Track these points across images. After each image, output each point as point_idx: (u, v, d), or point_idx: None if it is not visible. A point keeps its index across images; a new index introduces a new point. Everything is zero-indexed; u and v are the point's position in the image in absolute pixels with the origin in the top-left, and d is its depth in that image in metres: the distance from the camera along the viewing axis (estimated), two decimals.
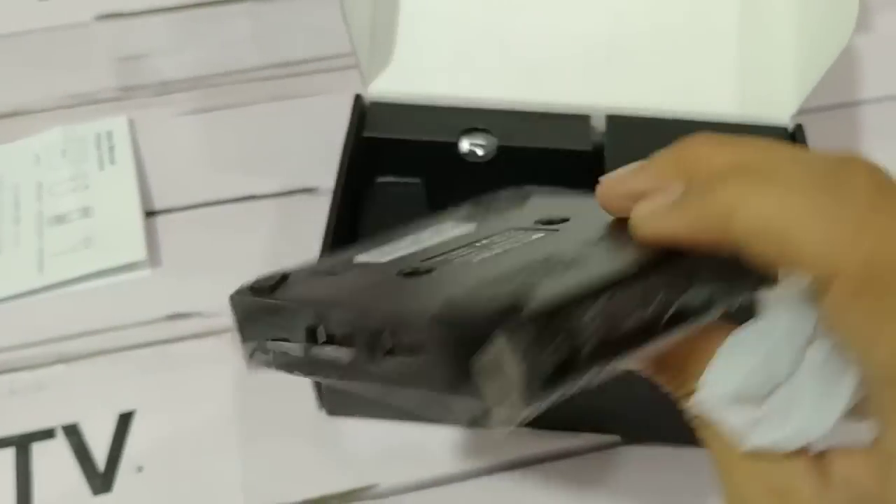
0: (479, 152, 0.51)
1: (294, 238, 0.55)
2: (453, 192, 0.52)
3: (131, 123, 0.60)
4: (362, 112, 0.51)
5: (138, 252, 0.53)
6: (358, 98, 0.52)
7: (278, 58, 0.65)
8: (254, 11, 0.67)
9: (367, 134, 0.51)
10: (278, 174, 0.58)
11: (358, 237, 0.52)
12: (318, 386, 0.47)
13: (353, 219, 0.52)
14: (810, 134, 0.49)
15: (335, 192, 0.48)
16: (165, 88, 0.63)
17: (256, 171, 0.59)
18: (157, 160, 0.59)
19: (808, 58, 0.49)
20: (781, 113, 0.50)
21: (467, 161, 0.51)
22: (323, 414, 0.48)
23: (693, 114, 0.50)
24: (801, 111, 0.50)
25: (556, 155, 0.51)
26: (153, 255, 0.54)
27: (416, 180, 0.53)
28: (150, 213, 0.57)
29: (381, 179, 0.54)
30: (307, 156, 0.59)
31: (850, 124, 0.61)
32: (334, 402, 0.48)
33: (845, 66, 0.64)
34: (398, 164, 0.53)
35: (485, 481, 0.47)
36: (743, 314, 0.27)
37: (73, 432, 0.48)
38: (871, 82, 0.63)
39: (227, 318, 0.51)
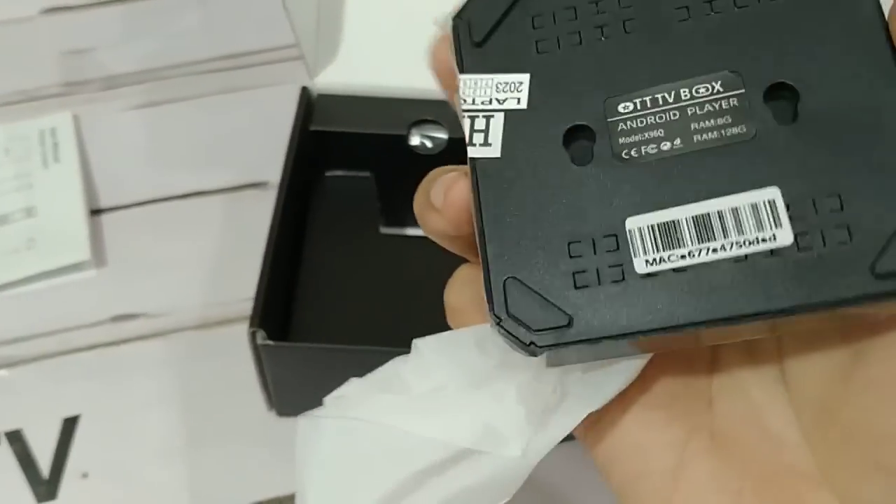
0: (430, 144, 0.50)
1: (243, 233, 0.54)
2: (404, 185, 0.51)
3: (76, 120, 0.59)
4: (309, 105, 0.50)
5: (82, 252, 0.52)
6: (304, 90, 0.51)
7: (228, 49, 0.63)
8: (204, 2, 0.66)
9: (313, 127, 0.50)
10: (227, 169, 0.57)
11: (306, 232, 0.51)
12: (266, 386, 0.46)
13: (301, 214, 0.51)
14: None
15: (280, 188, 0.47)
16: (112, 83, 0.61)
17: (205, 165, 0.57)
18: (103, 157, 0.58)
19: None
20: None
21: (418, 154, 0.50)
22: (273, 415, 0.47)
23: None
24: None
25: None
26: (98, 254, 0.53)
27: (366, 174, 0.52)
28: (95, 212, 0.55)
29: (330, 173, 0.53)
30: (257, 149, 0.57)
31: None
32: (284, 403, 0.47)
33: None
34: (347, 158, 0.52)
35: None
36: None
37: (16, 439, 0.47)
38: None
39: (173, 318, 0.51)
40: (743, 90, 0.24)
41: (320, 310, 0.48)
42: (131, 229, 0.54)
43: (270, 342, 0.42)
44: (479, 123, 0.26)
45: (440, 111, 0.50)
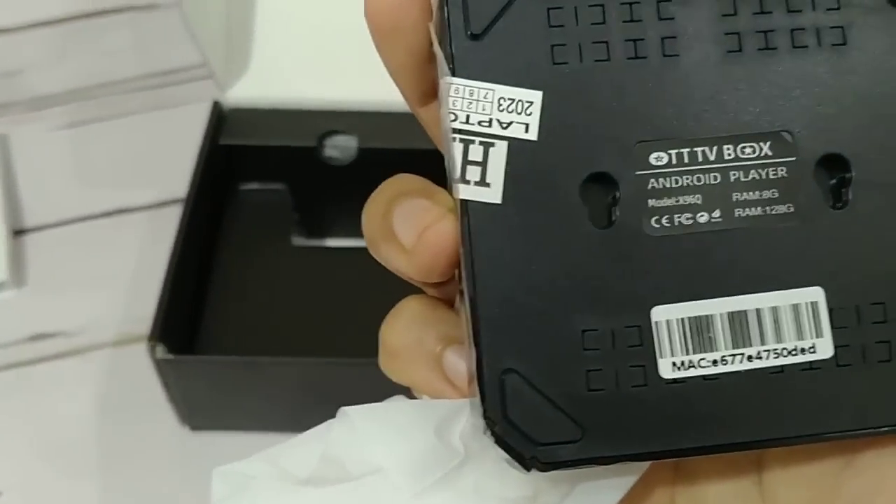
0: (340, 155, 0.50)
1: (164, 251, 0.53)
2: (319, 196, 0.51)
3: (3, 140, 0.59)
4: (220, 119, 0.51)
5: (0, 273, 0.52)
6: (215, 105, 0.51)
7: (157, 67, 0.63)
8: (136, 21, 0.66)
9: (224, 141, 0.50)
10: (151, 186, 0.57)
11: (219, 246, 0.51)
12: (175, 401, 0.46)
13: (213, 228, 0.51)
14: None
15: (186, 202, 0.47)
16: (39, 104, 0.62)
17: (129, 183, 0.57)
18: (29, 177, 0.58)
19: None
20: None
21: (330, 165, 0.50)
22: (186, 430, 0.47)
23: None
24: None
25: (418, 155, 0.50)
26: (19, 274, 0.53)
27: (281, 186, 0.52)
28: (19, 232, 0.55)
29: (245, 186, 0.53)
30: (182, 166, 0.57)
31: None
32: (197, 417, 0.47)
33: None
34: (261, 171, 0.52)
35: None
36: None
37: None
38: None
39: (90, 336, 0.51)
40: (794, 158, 0.21)
41: (230, 324, 0.48)
42: (54, 248, 0.55)
43: (170, 356, 0.42)
44: (475, 153, 0.20)
45: (351, 122, 0.50)
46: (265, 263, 0.50)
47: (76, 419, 0.48)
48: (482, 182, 0.20)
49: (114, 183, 0.58)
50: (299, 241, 0.51)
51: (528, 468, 0.20)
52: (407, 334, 0.23)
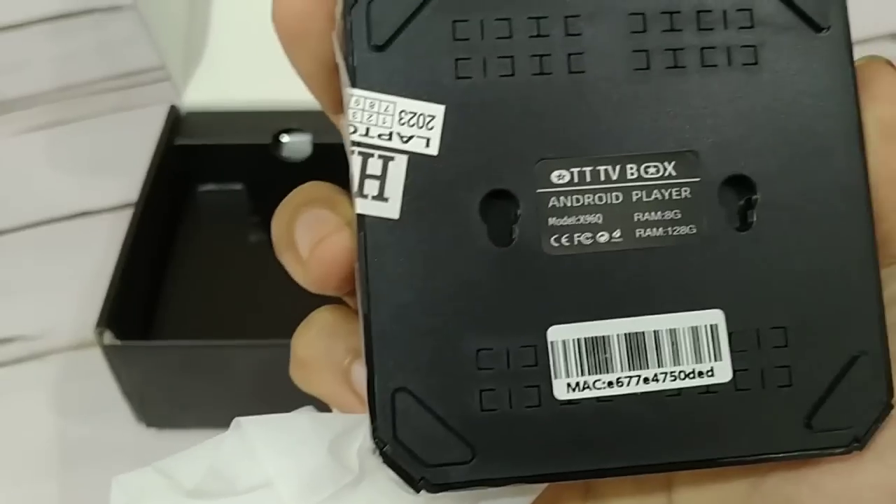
0: (295, 153, 0.50)
1: None
2: (276, 194, 0.51)
3: None
4: (176, 121, 0.51)
5: None
6: (172, 108, 0.51)
7: (121, 69, 0.63)
8: (101, 23, 0.66)
9: (179, 142, 0.50)
10: (115, 188, 0.57)
11: (175, 247, 0.51)
12: (129, 396, 0.45)
13: (171, 229, 0.51)
14: None
15: (138, 203, 0.47)
16: (3, 108, 0.62)
17: (92, 186, 0.57)
18: None
19: None
20: None
21: (287, 162, 0.50)
22: (143, 427, 0.47)
23: None
24: None
25: None
26: None
27: (238, 186, 0.52)
28: None
29: (202, 188, 0.53)
30: (145, 168, 0.57)
31: None
32: (152, 414, 0.47)
33: None
34: (217, 171, 0.52)
35: None
36: None
37: None
38: None
39: (50, 340, 0.51)
40: (699, 179, 0.20)
41: (188, 317, 0.48)
42: (16, 253, 0.55)
43: (118, 342, 0.41)
44: (374, 167, 0.20)
45: (307, 120, 0.50)
46: (223, 263, 0.50)
47: (33, 424, 0.48)
48: (380, 197, 0.20)
49: (77, 186, 0.58)
50: (256, 237, 0.51)
51: (417, 490, 0.19)
52: (316, 345, 0.23)
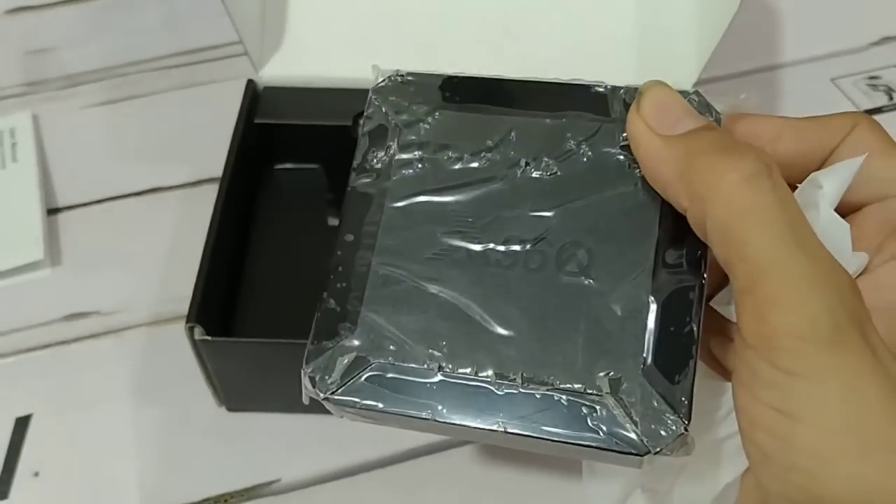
0: None
1: (199, 229, 0.53)
2: None
3: (36, 119, 0.59)
4: (254, 97, 0.50)
5: (36, 252, 0.52)
6: (249, 83, 0.50)
7: (188, 45, 0.63)
8: None
9: (258, 120, 0.49)
10: (185, 164, 0.57)
11: (254, 227, 0.51)
12: (212, 382, 0.45)
13: (248, 208, 0.51)
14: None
15: (222, 182, 0.46)
16: (72, 81, 0.61)
17: (163, 161, 0.57)
18: (61, 155, 0.58)
19: (708, 22, 0.48)
20: (683, 80, 0.48)
21: None
22: (223, 410, 0.47)
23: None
24: (715, 78, 0.48)
25: None
26: (54, 253, 0.53)
27: (315, 166, 0.52)
28: (53, 211, 0.55)
29: (279, 166, 0.52)
30: (215, 144, 0.56)
31: (769, 89, 0.59)
32: (233, 398, 0.46)
33: (761, 29, 0.62)
34: (295, 150, 0.51)
35: (388, 471, 0.46)
36: None
37: None
38: (789, 46, 0.61)
39: (126, 315, 0.51)
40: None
41: (266, 304, 0.48)
42: (88, 227, 0.55)
43: (208, 337, 0.41)
44: None
45: None
46: (300, 244, 0.50)
47: (111, 398, 0.48)
48: None
49: (147, 161, 0.57)
50: (335, 221, 0.51)
51: None
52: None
